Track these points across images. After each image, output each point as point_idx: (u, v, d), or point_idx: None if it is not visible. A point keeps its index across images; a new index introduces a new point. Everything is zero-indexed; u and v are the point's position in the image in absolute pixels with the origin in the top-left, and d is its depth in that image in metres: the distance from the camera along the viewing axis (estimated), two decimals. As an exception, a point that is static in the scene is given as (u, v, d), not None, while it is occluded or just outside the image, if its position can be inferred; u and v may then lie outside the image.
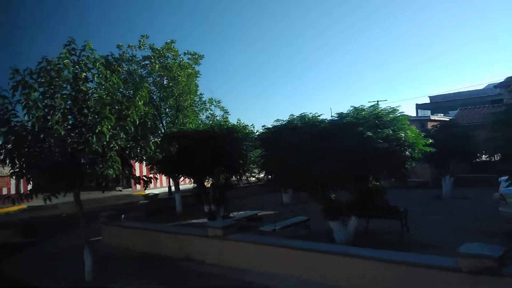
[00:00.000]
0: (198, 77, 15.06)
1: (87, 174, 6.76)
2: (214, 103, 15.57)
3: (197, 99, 15.55)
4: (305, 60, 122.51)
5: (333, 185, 7.72)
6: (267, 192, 19.84)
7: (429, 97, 41.06)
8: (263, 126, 8.68)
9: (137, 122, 7.18)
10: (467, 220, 10.60)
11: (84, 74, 7.01)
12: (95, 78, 6.92)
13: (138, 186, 30.49)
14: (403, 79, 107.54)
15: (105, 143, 6.61)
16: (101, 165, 6.59)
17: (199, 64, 14.78)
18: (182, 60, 14.64)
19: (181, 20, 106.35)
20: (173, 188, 16.68)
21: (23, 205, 23.80)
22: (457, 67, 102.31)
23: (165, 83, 14.10)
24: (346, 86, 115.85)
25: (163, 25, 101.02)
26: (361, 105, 7.83)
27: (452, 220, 11.02)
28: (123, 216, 10.73)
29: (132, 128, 7.06)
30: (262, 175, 12.99)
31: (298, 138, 7.40)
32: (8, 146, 6.69)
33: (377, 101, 42.75)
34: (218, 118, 16.03)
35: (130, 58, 14.54)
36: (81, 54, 7.04)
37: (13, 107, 6.75)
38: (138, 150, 7.28)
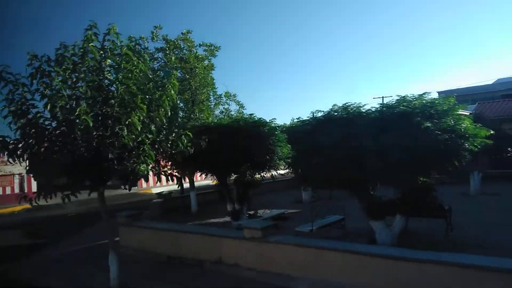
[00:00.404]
0: (213, 70, 14.35)
1: (114, 170, 6.07)
2: (230, 97, 14.87)
3: (211, 93, 14.85)
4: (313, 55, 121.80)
5: (383, 181, 7.07)
6: (283, 190, 19.18)
7: (438, 92, 40.46)
8: (297, 119, 7.99)
9: (169, 113, 6.52)
10: (509, 217, 9.99)
11: (109, 60, 6.31)
12: (123, 64, 6.21)
13: (144, 184, 29.83)
14: (407, 74, 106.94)
15: (133, 136, 5.96)
16: (131, 160, 5.91)
17: (215, 56, 14.05)
18: (196, 52, 13.91)
19: (190, 12, 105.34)
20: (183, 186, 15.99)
21: (27, 205, 23.12)
22: (462, 63, 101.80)
23: (178, 75, 13.37)
24: (347, 81, 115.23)
25: (167, 18, 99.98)
26: (408, 94, 7.17)
27: (490, 217, 10.41)
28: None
29: (164, 120, 6.40)
30: (287, 171, 12.33)
31: (344, 130, 6.73)
32: (29, 141, 5.97)
33: (382, 97, 42.38)
34: (232, 113, 15.34)
35: (142, 50, 13.78)
36: (105, 39, 6.34)
37: (32, 96, 6.05)
38: (169, 144, 6.59)
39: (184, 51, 13.32)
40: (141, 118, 5.96)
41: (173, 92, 6.38)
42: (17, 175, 24.02)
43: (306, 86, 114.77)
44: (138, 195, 24.33)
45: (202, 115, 13.71)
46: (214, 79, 14.21)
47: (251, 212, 10.26)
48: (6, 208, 21.38)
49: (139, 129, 5.96)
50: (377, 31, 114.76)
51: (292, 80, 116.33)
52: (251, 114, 10.07)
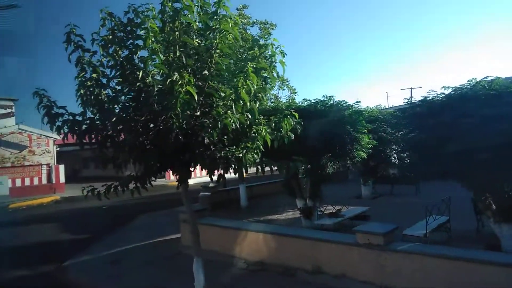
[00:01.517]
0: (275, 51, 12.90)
1: (213, 158, 4.77)
2: (284, 81, 13.49)
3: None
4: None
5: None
6: (338, 183, 17.70)
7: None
8: (408, 99, 6.59)
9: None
10: None
11: (204, 21, 5.00)
12: (222, 24, 4.89)
13: (172, 176, 28.82)
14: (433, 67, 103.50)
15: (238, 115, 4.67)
16: (240, 146, 4.64)
17: (271, 35, 12.62)
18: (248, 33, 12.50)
19: None
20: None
21: (56, 196, 22.28)
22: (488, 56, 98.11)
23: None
24: (369, 74, 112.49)
25: None
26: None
27: None
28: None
29: (269, 96, 5.09)
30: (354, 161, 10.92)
31: (490, 110, 5.31)
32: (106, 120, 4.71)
33: (411, 88, 40.39)
34: (282, 99, 13.96)
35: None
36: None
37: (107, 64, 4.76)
38: (273, 127, 5.28)
39: (240, 29, 11.95)
40: (252, 91, 4.67)
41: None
42: (44, 166, 23.18)
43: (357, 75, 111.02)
44: (167, 188, 23.24)
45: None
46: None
47: (333, 211, 8.92)
48: (35, 200, 20.53)
49: (248, 105, 4.68)
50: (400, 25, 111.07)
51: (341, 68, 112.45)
52: (331, 96, 8.70)
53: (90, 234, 11.20)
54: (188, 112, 4.42)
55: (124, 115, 4.60)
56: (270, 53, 5.22)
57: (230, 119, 4.51)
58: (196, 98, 4.24)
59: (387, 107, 25.64)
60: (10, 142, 21.91)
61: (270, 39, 12.82)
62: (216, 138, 4.72)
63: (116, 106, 4.68)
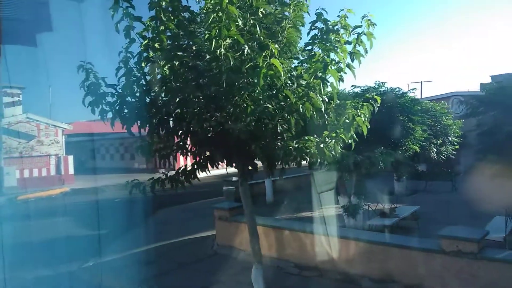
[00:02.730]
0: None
1: (289, 149, 3.97)
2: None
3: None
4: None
5: None
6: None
7: (491, 76, 37.41)
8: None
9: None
10: None
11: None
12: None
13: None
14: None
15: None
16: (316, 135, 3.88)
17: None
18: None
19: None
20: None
21: (65, 188, 21.53)
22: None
23: None
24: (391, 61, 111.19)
25: None
26: None
27: None
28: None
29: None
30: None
31: None
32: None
33: (421, 81, 39.42)
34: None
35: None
36: None
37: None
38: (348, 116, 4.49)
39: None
40: (344, 66, 3.88)
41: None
42: (53, 156, 22.41)
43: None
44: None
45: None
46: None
47: (386, 210, 8.12)
48: (44, 192, 19.78)
49: (336, 85, 3.91)
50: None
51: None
52: (383, 82, 7.89)
53: (109, 229, 10.43)
54: (269, 92, 3.63)
55: (188, 95, 3.79)
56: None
57: (315, 101, 3.73)
58: (282, 73, 3.44)
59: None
60: (18, 132, 21.12)
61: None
62: (294, 125, 3.96)
63: (176, 84, 3.86)
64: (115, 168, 29.55)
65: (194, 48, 3.97)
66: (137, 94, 3.97)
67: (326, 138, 3.88)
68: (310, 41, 4.06)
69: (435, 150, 11.52)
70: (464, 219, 7.93)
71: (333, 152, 3.95)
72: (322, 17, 3.92)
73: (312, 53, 4.02)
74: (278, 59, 3.40)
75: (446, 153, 12.01)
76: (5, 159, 19.89)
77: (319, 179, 9.51)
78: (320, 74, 3.80)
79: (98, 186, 21.47)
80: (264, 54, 3.34)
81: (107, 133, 30.85)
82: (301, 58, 4.48)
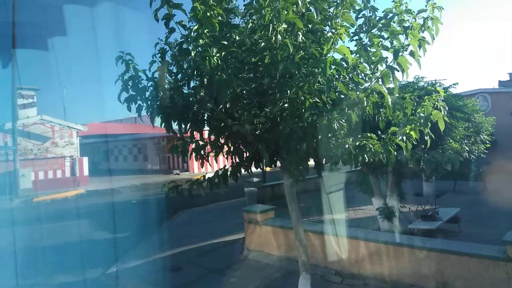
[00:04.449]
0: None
1: (348, 148, 3.57)
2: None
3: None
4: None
5: None
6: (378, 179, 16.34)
7: (509, 73, 36.47)
8: None
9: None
10: None
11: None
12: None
13: (196, 169, 27.71)
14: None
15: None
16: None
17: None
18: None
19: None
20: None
21: (81, 189, 21.37)
22: None
23: None
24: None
25: None
26: None
27: None
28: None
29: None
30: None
31: None
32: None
33: (435, 80, 38.63)
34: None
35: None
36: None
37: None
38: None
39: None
40: (417, 54, 3.45)
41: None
42: (68, 158, 22.30)
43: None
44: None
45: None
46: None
47: (429, 213, 7.65)
48: (59, 194, 19.66)
49: (404, 76, 3.49)
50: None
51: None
52: (422, 77, 7.44)
53: (130, 232, 10.12)
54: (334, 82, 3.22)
55: (237, 88, 3.40)
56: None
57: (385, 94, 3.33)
58: (351, 61, 3.03)
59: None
60: (33, 133, 21.04)
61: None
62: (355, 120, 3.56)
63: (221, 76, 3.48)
64: (129, 169, 29.45)
65: (237, 38, 3.59)
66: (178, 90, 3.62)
67: (393, 135, 3.47)
68: (370, 24, 3.64)
69: (467, 149, 10.94)
70: (508, 222, 7.45)
71: (409, 150, 3.55)
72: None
73: (370, 42, 3.60)
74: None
75: (477, 151, 11.42)
76: (20, 161, 19.76)
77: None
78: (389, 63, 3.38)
79: (113, 187, 21.30)
80: (332, 40, 2.94)
81: (120, 134, 30.77)
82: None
